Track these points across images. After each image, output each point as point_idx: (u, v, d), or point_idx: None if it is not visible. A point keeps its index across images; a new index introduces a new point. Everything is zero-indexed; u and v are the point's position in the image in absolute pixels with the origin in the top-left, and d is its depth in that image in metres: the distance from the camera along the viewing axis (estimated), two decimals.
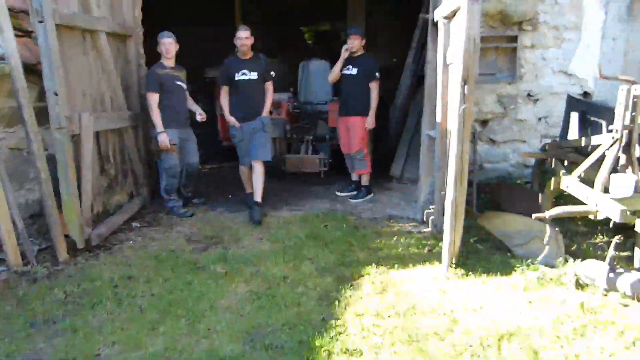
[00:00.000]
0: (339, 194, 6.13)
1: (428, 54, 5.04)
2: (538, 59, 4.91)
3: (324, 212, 5.54)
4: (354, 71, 5.72)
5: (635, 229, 3.53)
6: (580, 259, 3.72)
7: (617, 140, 3.26)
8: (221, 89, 5.52)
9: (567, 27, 4.77)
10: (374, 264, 4.16)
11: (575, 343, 3.00)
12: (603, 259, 3.89)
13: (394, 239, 4.69)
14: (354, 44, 5.68)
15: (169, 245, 4.66)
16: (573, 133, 4.21)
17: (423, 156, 5.28)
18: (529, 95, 5.02)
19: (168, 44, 5.19)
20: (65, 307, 3.53)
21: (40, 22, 3.91)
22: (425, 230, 4.93)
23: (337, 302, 3.60)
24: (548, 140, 4.66)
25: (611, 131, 3.39)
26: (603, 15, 4.71)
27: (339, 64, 5.79)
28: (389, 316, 3.40)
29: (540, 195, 4.56)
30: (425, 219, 5.07)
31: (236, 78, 5.34)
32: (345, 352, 3.01)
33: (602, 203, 3.21)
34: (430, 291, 3.70)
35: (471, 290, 3.67)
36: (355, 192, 6.02)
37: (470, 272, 3.89)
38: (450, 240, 3.83)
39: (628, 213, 3.02)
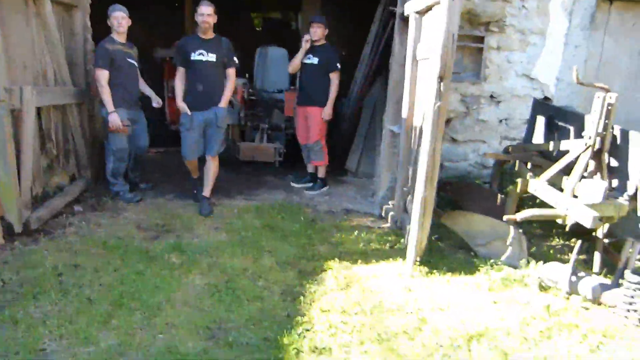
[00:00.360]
0: (294, 184, 5.97)
1: (394, 48, 4.97)
2: (503, 61, 4.97)
3: (280, 202, 5.37)
4: (315, 60, 5.57)
5: (596, 234, 3.64)
6: (541, 261, 3.78)
7: (589, 146, 3.32)
8: (177, 70, 4.92)
9: (532, 31, 4.86)
10: (336, 259, 4.05)
11: (542, 345, 3.02)
12: (562, 261, 3.99)
13: (355, 233, 4.61)
14: (317, 32, 5.52)
15: (117, 232, 4.33)
16: (538, 137, 4.28)
17: (384, 151, 5.23)
18: (491, 96, 5.09)
19: (120, 18, 4.80)
20: (3, 296, 3.16)
21: None
22: (384, 225, 4.88)
23: (301, 298, 3.45)
24: (508, 142, 4.73)
25: (582, 137, 3.46)
26: (567, 23, 4.83)
27: (300, 53, 5.62)
28: (355, 313, 3.30)
29: (499, 195, 4.63)
30: (384, 215, 5.02)
31: (192, 58, 4.73)
32: (314, 351, 2.88)
33: (573, 208, 3.26)
34: (395, 288, 3.63)
35: (436, 289, 3.64)
36: (311, 184, 5.89)
37: (434, 270, 3.86)
38: (417, 238, 3.78)
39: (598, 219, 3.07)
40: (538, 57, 4.92)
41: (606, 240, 3.64)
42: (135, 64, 5.01)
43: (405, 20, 4.57)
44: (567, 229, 3.96)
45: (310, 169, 5.98)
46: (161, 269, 3.70)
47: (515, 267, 3.80)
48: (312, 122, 5.64)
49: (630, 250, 3.42)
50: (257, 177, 6.31)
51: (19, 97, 3.90)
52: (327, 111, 5.57)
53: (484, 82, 5.00)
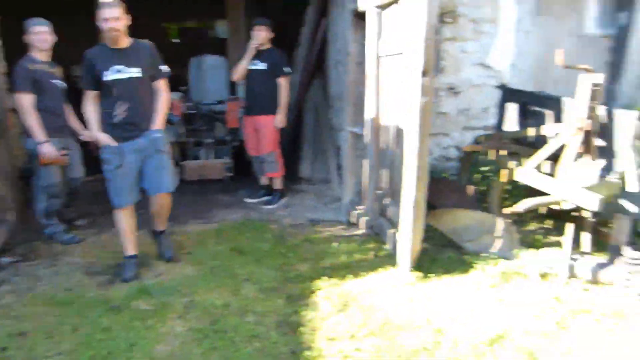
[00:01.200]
0: (249, 200, 5.56)
1: (350, 46, 4.73)
2: (458, 51, 4.90)
3: (240, 222, 4.94)
4: (263, 66, 5.20)
5: (581, 214, 3.61)
6: (532, 249, 3.70)
7: (580, 129, 3.26)
8: (85, 94, 3.69)
9: (484, 20, 4.82)
10: (322, 277, 3.72)
11: (562, 337, 2.91)
12: (546, 245, 3.96)
13: (332, 245, 4.31)
14: (261, 36, 5.16)
15: (64, 283, 3.70)
16: (510, 124, 4.22)
17: (346, 154, 4.97)
18: (450, 88, 5.00)
19: (43, 33, 4.15)
20: None
21: None
22: (358, 232, 4.62)
23: (301, 328, 3.10)
24: (469, 133, 4.65)
25: (562, 121, 3.40)
26: (517, 10, 4.85)
27: (245, 60, 5.22)
28: (365, 336, 3.01)
29: (467, 188, 4.54)
30: (354, 221, 4.76)
31: (105, 78, 3.58)
32: None
33: (574, 193, 3.17)
34: (397, 301, 3.38)
35: (438, 294, 3.44)
36: (267, 198, 5.51)
37: (429, 274, 3.66)
38: (411, 243, 3.55)
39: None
40: (491, 46, 4.91)
41: (593, 220, 3.62)
42: (61, 84, 4.36)
43: (360, 16, 4.34)
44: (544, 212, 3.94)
45: (263, 181, 5.60)
46: (130, 321, 3.18)
47: (508, 259, 3.69)
48: (264, 132, 5.27)
49: (621, 226, 3.41)
50: (206, 197, 5.82)
51: None
52: (280, 119, 5.23)
53: (441, 74, 4.90)
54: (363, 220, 4.59)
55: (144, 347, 2.91)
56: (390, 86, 3.98)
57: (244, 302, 3.42)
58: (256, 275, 3.81)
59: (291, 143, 6.68)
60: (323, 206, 5.47)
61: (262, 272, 3.87)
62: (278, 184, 5.49)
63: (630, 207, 3.54)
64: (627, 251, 3.22)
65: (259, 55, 5.20)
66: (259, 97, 5.22)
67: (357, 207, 4.82)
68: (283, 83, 5.21)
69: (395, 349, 2.87)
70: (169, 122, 5.04)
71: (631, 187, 3.26)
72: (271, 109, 5.21)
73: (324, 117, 6.36)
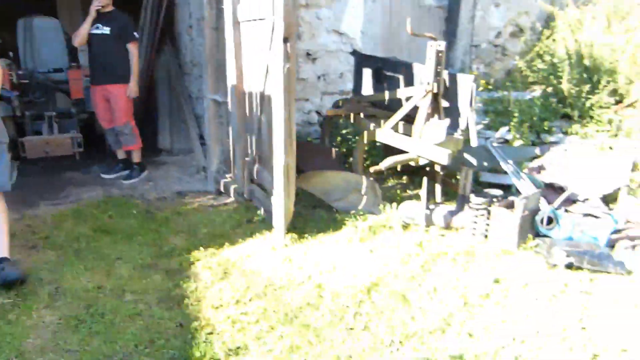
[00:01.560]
0: (106, 176, 5.19)
1: (205, 10, 4.58)
2: (313, 18, 5.01)
3: (100, 200, 4.62)
4: (106, 30, 4.81)
5: (434, 168, 4.05)
6: (394, 203, 4.06)
7: (429, 91, 3.60)
8: None
9: None
10: (199, 248, 3.70)
11: (428, 278, 3.27)
12: (406, 198, 4.36)
13: (203, 216, 4.26)
14: None
15: None
16: (366, 88, 4.48)
17: (209, 123, 4.87)
18: (308, 54, 5.12)
19: None
20: None
21: None
22: (228, 201, 4.63)
23: (185, 301, 3.08)
24: (328, 98, 4.87)
25: (414, 84, 3.72)
26: None
27: (86, 23, 4.78)
28: (250, 300, 3.09)
29: (333, 150, 4.79)
30: (223, 190, 4.74)
31: None
32: (230, 354, 2.61)
33: (426, 149, 3.53)
34: (276, 262, 3.50)
35: (315, 252, 3.62)
36: (126, 172, 5.20)
37: (305, 235, 3.82)
38: (284, 206, 3.67)
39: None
40: (344, 13, 5.11)
41: (442, 173, 4.07)
42: None
43: None
44: (398, 168, 4.33)
45: (120, 155, 5.26)
46: None
47: (374, 214, 4.01)
48: (117, 102, 4.93)
49: (465, 177, 3.90)
50: (56, 176, 5.29)
51: None
52: (132, 88, 4.92)
53: (299, 41, 4.99)
54: (233, 188, 4.59)
55: (11, 344, 2.65)
56: (252, 52, 3.98)
57: (120, 282, 3.27)
58: (128, 254, 3.65)
59: (146, 113, 6.33)
60: (189, 177, 5.34)
61: (134, 249, 3.72)
62: (137, 157, 5.21)
63: (472, 160, 4.06)
64: (472, 198, 3.70)
65: (101, 18, 4.79)
66: (107, 65, 4.84)
67: (225, 176, 4.80)
68: (133, 49, 4.90)
69: (280, 308, 2.99)
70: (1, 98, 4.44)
71: (472, 142, 3.73)
72: (121, 77, 4.89)
73: (180, 85, 6.12)
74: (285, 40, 3.38)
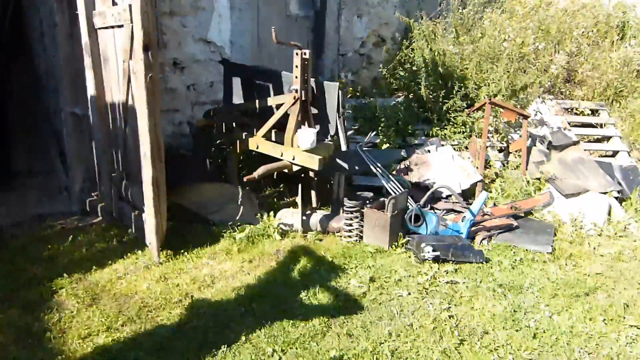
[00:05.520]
0: None
1: (56, 16, 4.23)
2: (178, 26, 4.83)
3: None
4: None
5: (308, 175, 4.12)
6: (271, 212, 4.06)
7: (298, 99, 3.65)
8: None
9: None
10: (63, 275, 3.38)
11: (307, 283, 3.30)
12: (285, 206, 4.38)
13: (68, 239, 3.91)
14: None
15: None
16: (237, 97, 4.43)
17: (69, 138, 4.50)
18: (175, 63, 4.93)
19: None
20: None
21: None
22: (96, 221, 4.29)
23: (47, 335, 2.80)
24: (199, 108, 4.75)
25: (284, 92, 3.76)
26: None
27: None
28: (122, 325, 2.90)
29: (207, 161, 4.67)
30: (89, 209, 4.40)
31: None
32: None
33: (299, 156, 3.58)
34: (150, 282, 3.32)
35: (192, 268, 3.50)
36: None
37: (181, 251, 3.68)
38: (156, 223, 3.50)
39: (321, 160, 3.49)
40: (210, 21, 5.00)
41: (316, 179, 4.16)
42: None
43: None
44: (274, 176, 4.36)
45: None
46: None
47: (252, 224, 3.97)
48: None
49: (338, 182, 4.03)
50: None
51: None
52: None
53: (165, 49, 4.79)
54: (100, 207, 4.28)
55: None
56: (113, 61, 3.75)
57: None
58: None
59: None
60: (49, 199, 4.86)
61: None
62: None
63: (344, 164, 4.20)
64: (346, 202, 3.82)
65: None
66: None
67: (91, 194, 4.46)
68: None
69: (156, 330, 2.84)
70: None
71: (343, 147, 3.86)
72: None
73: (35, 98, 5.58)
74: (146, 48, 3.24)
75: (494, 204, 4.44)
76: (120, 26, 3.47)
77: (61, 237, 4.00)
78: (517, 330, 2.89)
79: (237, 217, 4.01)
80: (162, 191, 3.53)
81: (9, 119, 5.63)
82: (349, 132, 4.89)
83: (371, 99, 5.60)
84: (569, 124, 5.53)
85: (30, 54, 5.88)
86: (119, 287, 3.28)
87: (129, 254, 3.67)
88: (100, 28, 3.82)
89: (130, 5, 3.26)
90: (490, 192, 4.59)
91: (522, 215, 4.34)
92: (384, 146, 4.92)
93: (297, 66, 3.61)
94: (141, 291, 3.22)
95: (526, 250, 3.83)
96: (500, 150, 5.18)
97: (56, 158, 5.17)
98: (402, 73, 5.74)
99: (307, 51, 3.64)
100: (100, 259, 3.63)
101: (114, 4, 3.58)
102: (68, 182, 4.75)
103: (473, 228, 4.00)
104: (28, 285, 3.30)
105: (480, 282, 3.38)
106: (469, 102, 5.31)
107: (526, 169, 4.78)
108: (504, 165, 4.97)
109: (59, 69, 4.44)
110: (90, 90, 4.04)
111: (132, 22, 3.30)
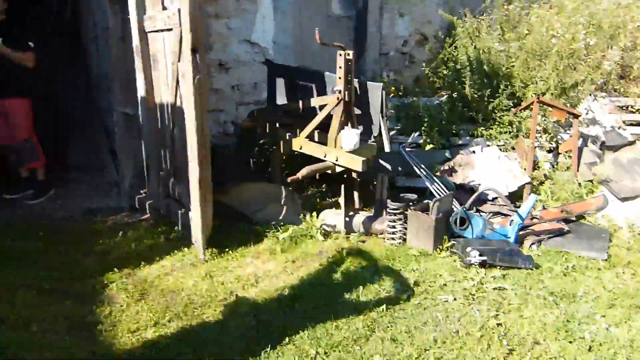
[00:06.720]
0: (8, 197, 4.80)
1: (109, 20, 4.38)
2: (224, 28, 4.93)
3: (1, 223, 4.27)
4: None
5: (350, 176, 4.11)
6: (314, 212, 4.07)
7: (341, 100, 3.66)
8: None
9: None
10: (114, 269, 3.51)
11: (350, 285, 3.29)
12: (328, 207, 4.38)
13: (118, 234, 4.04)
14: None
15: None
16: (280, 98, 4.47)
17: (120, 137, 4.66)
18: (220, 64, 5.03)
19: None
20: None
21: None
22: (144, 217, 4.43)
23: (98, 327, 2.90)
24: (244, 108, 4.82)
25: (326, 93, 3.77)
26: None
27: None
28: (169, 320, 2.98)
29: (251, 161, 4.74)
30: (138, 206, 4.54)
31: None
32: None
33: (342, 157, 3.58)
34: (196, 280, 3.40)
35: (236, 266, 3.57)
36: (31, 191, 4.84)
37: (226, 249, 3.75)
38: (202, 221, 3.57)
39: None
40: (254, 23, 5.08)
41: (359, 179, 4.15)
42: None
43: None
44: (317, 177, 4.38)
45: (24, 173, 4.88)
46: None
47: (295, 224, 4.00)
48: (15, 117, 4.60)
49: (381, 183, 4.00)
50: None
51: None
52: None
53: (210, 51, 4.90)
54: (148, 204, 4.41)
55: None
56: (162, 63, 3.85)
57: (24, 311, 3.01)
58: (33, 279, 3.38)
59: (51, 128, 5.93)
60: (101, 194, 5.06)
61: (39, 274, 3.45)
62: (41, 175, 4.87)
63: (387, 165, 4.17)
64: (389, 204, 3.80)
65: None
66: (2, 78, 4.49)
67: (140, 191, 4.61)
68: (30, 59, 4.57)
69: (199, 328, 2.90)
70: None
71: (386, 148, 3.84)
72: (20, 91, 4.56)
73: (89, 98, 5.82)
74: (194, 50, 3.31)
75: (543, 207, 4.31)
76: (170, 29, 3.56)
77: (112, 232, 4.14)
78: (570, 342, 2.77)
79: (280, 217, 4.05)
80: (209, 190, 3.60)
81: (67, 116, 5.89)
82: (392, 133, 4.85)
83: (414, 98, 5.53)
84: (624, 122, 5.28)
85: (85, 55, 6.14)
86: (166, 283, 3.37)
87: (175, 251, 3.76)
88: (150, 31, 3.93)
89: (179, 10, 3.34)
90: (539, 194, 4.45)
91: (574, 219, 4.19)
92: (428, 147, 4.85)
93: (340, 67, 3.61)
94: (187, 288, 3.30)
95: (579, 256, 3.69)
96: (549, 151, 5.01)
97: (107, 155, 5.38)
98: (445, 72, 5.64)
99: (351, 52, 3.63)
100: (149, 254, 3.74)
101: (164, 8, 3.68)
102: (118, 178, 4.93)
103: (521, 232, 3.89)
104: (81, 278, 3.44)
105: (530, 289, 3.28)
106: (515, 101, 5.17)
107: (577, 171, 4.62)
108: (553, 167, 4.81)
109: (111, 70, 4.59)
110: (141, 91, 4.16)
111: (180, 25, 3.37)
